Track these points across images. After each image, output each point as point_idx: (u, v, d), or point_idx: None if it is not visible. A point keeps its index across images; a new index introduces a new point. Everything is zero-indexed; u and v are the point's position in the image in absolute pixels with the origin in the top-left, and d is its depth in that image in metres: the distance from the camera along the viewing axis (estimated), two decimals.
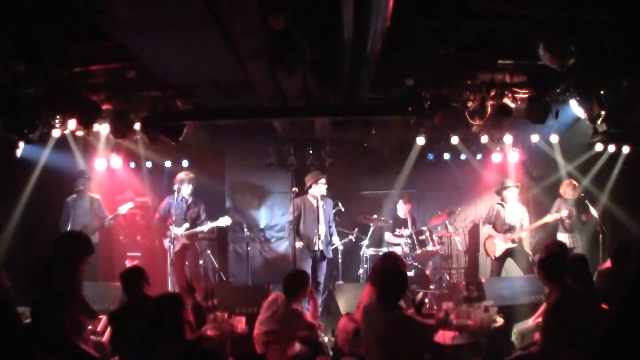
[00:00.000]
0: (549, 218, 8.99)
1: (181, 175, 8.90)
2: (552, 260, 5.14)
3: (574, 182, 9.24)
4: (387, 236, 9.88)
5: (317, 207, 8.46)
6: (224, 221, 8.87)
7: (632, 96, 7.12)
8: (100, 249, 8.78)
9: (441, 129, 8.43)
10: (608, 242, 8.59)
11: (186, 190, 8.84)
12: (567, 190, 9.18)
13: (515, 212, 9.10)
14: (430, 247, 9.20)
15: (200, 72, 6.39)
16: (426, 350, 4.85)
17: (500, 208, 9.17)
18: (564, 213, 9.07)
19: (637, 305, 4.43)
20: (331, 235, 8.87)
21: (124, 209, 8.94)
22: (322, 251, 8.59)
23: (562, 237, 9.23)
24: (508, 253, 9.00)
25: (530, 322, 5.88)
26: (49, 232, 8.71)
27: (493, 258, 9.11)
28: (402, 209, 9.91)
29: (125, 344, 4.65)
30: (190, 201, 8.95)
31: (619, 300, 4.74)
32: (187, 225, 8.80)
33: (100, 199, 9.03)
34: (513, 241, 8.93)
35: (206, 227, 8.90)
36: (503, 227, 9.05)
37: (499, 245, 8.99)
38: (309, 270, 8.13)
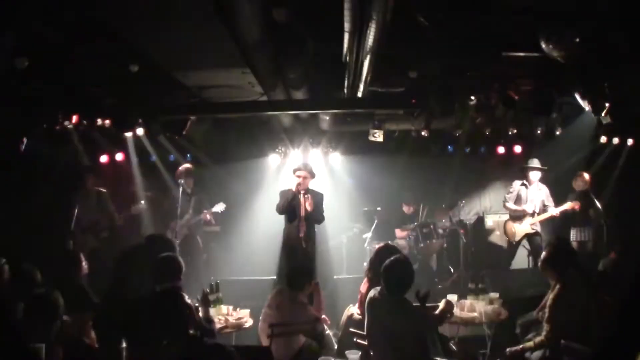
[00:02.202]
0: (567, 205, 8.88)
1: (181, 168, 8.93)
2: (553, 254, 5.20)
3: (585, 174, 9.17)
4: (397, 232, 9.86)
5: (299, 202, 7.86)
6: (219, 207, 8.91)
7: (636, 88, 7.10)
8: (103, 243, 8.83)
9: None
10: (612, 235, 8.58)
11: (187, 183, 8.87)
12: (578, 182, 9.12)
13: (537, 193, 8.98)
14: (434, 240, 9.20)
15: (204, 66, 6.40)
16: (431, 343, 4.86)
17: (522, 189, 9.03)
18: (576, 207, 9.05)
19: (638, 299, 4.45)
20: (312, 232, 8.03)
21: (136, 209, 8.99)
22: (304, 248, 7.85)
23: (572, 230, 9.19)
24: (526, 238, 8.99)
25: (535, 314, 5.88)
26: (53, 226, 8.75)
27: (514, 242, 9.08)
28: (407, 207, 9.93)
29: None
30: (191, 193, 8.98)
31: (623, 291, 4.79)
32: (188, 216, 8.85)
33: (107, 193, 9.05)
34: (533, 227, 8.89)
35: (203, 215, 8.91)
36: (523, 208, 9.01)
37: (519, 229, 8.96)
38: None
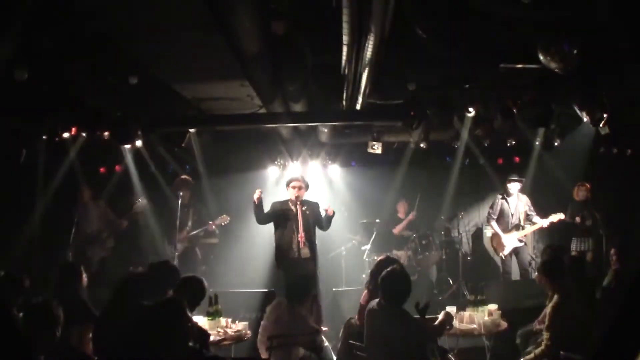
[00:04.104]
0: (554, 218, 8.95)
1: (178, 180, 8.95)
2: (550, 264, 5.20)
3: (586, 184, 9.22)
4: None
5: (296, 213, 7.73)
6: (223, 220, 8.91)
7: (634, 99, 7.12)
8: (111, 251, 8.85)
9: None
10: (610, 245, 8.58)
11: (184, 194, 8.86)
12: (579, 192, 9.17)
13: (519, 204, 9.11)
14: (433, 252, 9.20)
15: (202, 78, 6.42)
16: (430, 354, 4.84)
17: (503, 202, 9.18)
18: (576, 219, 9.11)
19: (636, 306, 4.44)
20: (312, 242, 7.89)
21: (137, 207, 8.99)
22: (303, 259, 7.65)
23: (573, 240, 9.21)
24: (515, 251, 9.05)
25: (535, 325, 5.86)
26: (54, 238, 8.75)
27: (502, 257, 9.13)
28: (401, 206, 9.98)
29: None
30: (188, 205, 8.97)
31: (619, 301, 4.79)
32: (187, 228, 8.84)
33: (104, 203, 9.06)
34: (520, 240, 8.96)
35: (205, 227, 8.92)
36: (508, 222, 9.08)
37: (507, 243, 9.02)
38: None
